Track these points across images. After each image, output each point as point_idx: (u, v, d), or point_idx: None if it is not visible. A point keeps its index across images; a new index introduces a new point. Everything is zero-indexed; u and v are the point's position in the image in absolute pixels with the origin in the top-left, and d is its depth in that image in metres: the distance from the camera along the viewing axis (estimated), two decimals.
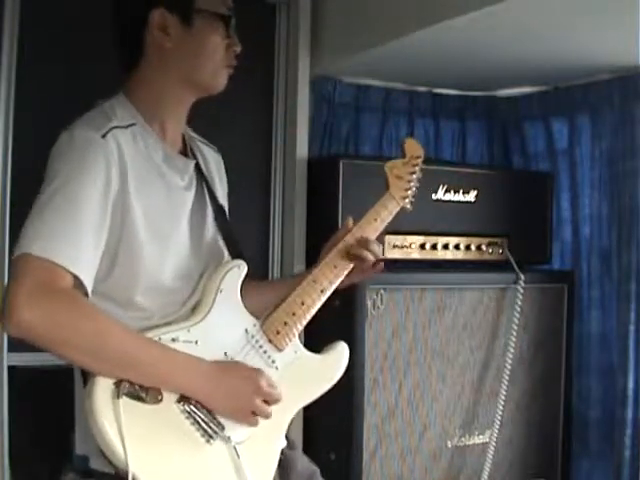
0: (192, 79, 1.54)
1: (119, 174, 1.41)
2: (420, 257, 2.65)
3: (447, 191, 2.68)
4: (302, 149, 2.70)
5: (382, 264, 1.70)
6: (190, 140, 1.67)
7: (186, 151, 1.62)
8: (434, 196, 2.66)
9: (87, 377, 1.38)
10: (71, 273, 1.33)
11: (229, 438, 1.44)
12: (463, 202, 2.71)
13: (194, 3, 1.51)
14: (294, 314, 1.57)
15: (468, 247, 2.73)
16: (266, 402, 1.47)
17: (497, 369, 2.69)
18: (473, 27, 2.22)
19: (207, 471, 1.42)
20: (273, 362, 1.54)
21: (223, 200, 1.72)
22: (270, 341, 1.54)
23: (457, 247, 2.71)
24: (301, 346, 1.59)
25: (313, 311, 1.60)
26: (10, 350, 2.25)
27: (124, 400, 1.34)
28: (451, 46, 2.44)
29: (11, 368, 2.27)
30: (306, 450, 2.61)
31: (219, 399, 1.43)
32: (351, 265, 1.66)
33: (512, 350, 2.68)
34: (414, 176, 1.81)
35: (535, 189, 2.90)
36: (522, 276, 2.70)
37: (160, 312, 1.48)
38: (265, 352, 1.53)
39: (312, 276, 1.61)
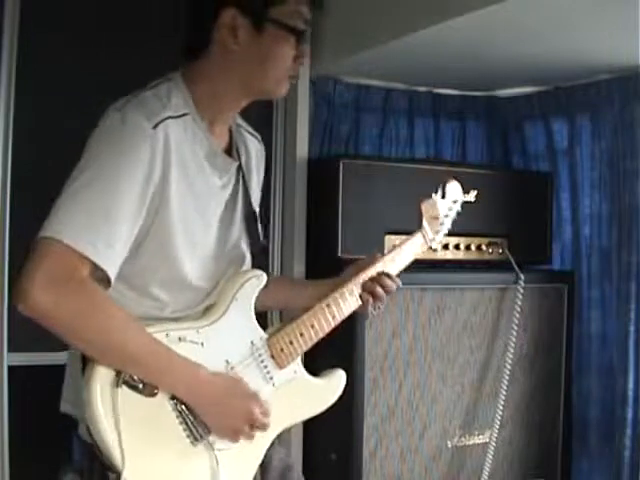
0: (253, 84, 1.52)
1: (162, 165, 1.39)
2: (420, 257, 2.64)
3: None
4: (302, 149, 2.70)
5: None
6: (236, 132, 1.64)
7: (231, 149, 1.60)
8: (434, 196, 2.65)
9: (87, 360, 1.38)
10: (97, 265, 1.32)
11: (212, 444, 1.45)
12: (463, 202, 2.70)
13: (268, 11, 1.47)
14: (302, 335, 1.57)
15: (468, 247, 2.73)
16: (253, 429, 1.47)
17: (497, 369, 2.69)
18: (473, 27, 2.22)
19: (186, 471, 1.43)
20: (271, 378, 1.54)
21: (257, 192, 1.70)
22: (272, 357, 1.54)
23: (457, 247, 2.70)
24: (301, 367, 1.60)
25: (321, 335, 1.60)
26: (10, 350, 2.25)
27: (123, 389, 1.35)
28: (451, 46, 2.44)
29: (11, 368, 2.27)
30: (306, 450, 2.63)
31: (207, 411, 1.43)
32: (367, 297, 1.66)
33: (512, 350, 2.68)
34: (448, 219, 1.83)
35: (535, 189, 2.90)
36: (522, 276, 2.70)
37: (174, 306, 1.48)
38: (265, 367, 1.54)
39: (326, 301, 1.61)
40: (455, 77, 2.96)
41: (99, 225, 1.32)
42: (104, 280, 1.35)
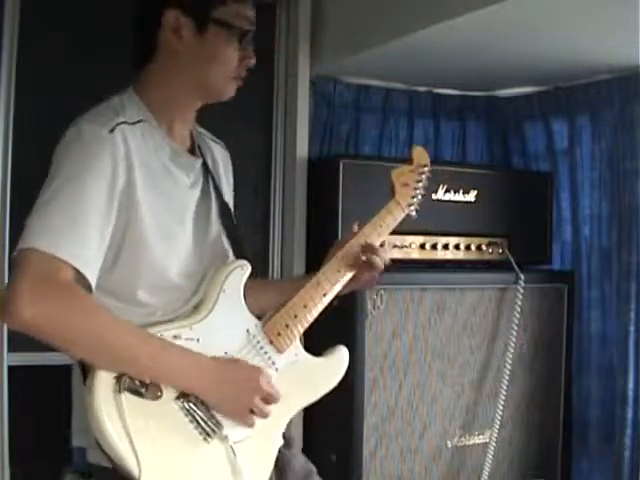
0: (200, 85, 1.54)
1: (126, 170, 1.41)
2: (420, 257, 2.65)
3: (447, 191, 2.68)
4: (302, 149, 2.70)
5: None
6: (198, 137, 1.66)
7: (194, 149, 1.62)
8: (434, 196, 2.65)
9: (87, 372, 1.38)
10: (75, 269, 1.33)
11: (227, 437, 1.44)
12: (463, 202, 2.71)
13: (211, 11, 1.49)
14: (296, 316, 1.57)
15: (468, 247, 2.73)
16: (265, 401, 1.47)
17: (497, 369, 2.69)
18: (473, 27, 2.22)
19: (204, 469, 1.42)
20: (273, 363, 1.54)
21: (229, 197, 1.72)
22: (271, 342, 1.54)
23: (457, 247, 2.71)
24: (302, 348, 1.59)
25: (315, 314, 1.60)
26: (10, 350, 2.25)
27: (126, 396, 1.35)
28: (451, 46, 2.44)
29: (11, 368, 2.27)
30: (306, 450, 2.62)
31: (217, 396, 1.43)
32: (354, 270, 1.66)
33: (512, 350, 2.68)
34: (420, 184, 1.81)
35: (535, 189, 2.90)
36: (522, 276, 2.70)
37: (163, 309, 1.48)
38: (266, 353, 1.53)
39: (315, 279, 1.62)
40: (455, 77, 2.96)
41: (70, 231, 1.33)
42: (86, 287, 1.36)
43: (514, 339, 2.68)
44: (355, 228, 1.71)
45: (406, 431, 2.54)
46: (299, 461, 1.68)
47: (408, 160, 1.83)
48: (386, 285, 2.47)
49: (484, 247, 2.76)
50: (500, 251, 2.77)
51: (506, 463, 2.73)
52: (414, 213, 1.79)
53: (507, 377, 2.67)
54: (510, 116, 3.19)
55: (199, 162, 1.60)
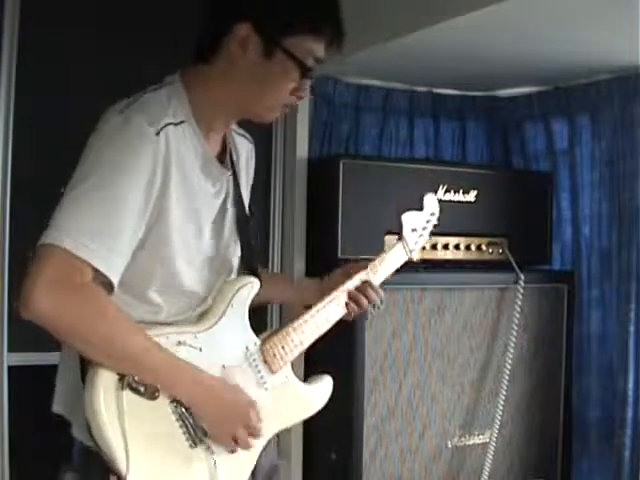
0: (246, 103, 1.52)
1: (163, 174, 1.40)
2: (420, 257, 2.65)
3: (447, 191, 2.68)
4: (302, 149, 2.71)
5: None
6: (229, 137, 1.64)
7: (224, 156, 1.60)
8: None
9: (85, 364, 1.38)
10: (100, 272, 1.32)
11: (210, 447, 1.46)
12: (463, 202, 2.71)
13: (282, 38, 1.45)
14: (293, 341, 1.60)
15: (468, 247, 2.73)
16: (249, 434, 1.48)
17: (497, 369, 2.69)
18: (473, 27, 2.22)
19: (187, 474, 1.44)
20: (264, 382, 1.56)
21: (246, 193, 1.71)
22: (265, 362, 1.56)
23: (457, 247, 2.71)
24: (291, 372, 1.62)
25: (312, 341, 1.64)
26: (10, 350, 2.25)
27: (127, 392, 1.36)
28: (451, 46, 2.44)
29: (11, 368, 2.27)
30: (306, 450, 2.63)
31: (208, 417, 1.44)
32: (353, 305, 1.71)
33: (512, 350, 2.68)
34: (426, 231, 1.87)
35: (535, 189, 2.90)
36: (522, 276, 2.70)
37: (168, 311, 1.49)
38: (259, 372, 1.56)
39: (316, 308, 1.65)
40: (455, 77, 2.96)
41: (102, 232, 1.32)
42: (106, 285, 1.35)
43: (514, 339, 2.68)
44: (363, 264, 1.75)
45: (406, 431, 2.54)
46: (263, 460, 1.65)
47: (419, 205, 1.87)
48: (386, 285, 2.46)
49: (484, 247, 2.76)
50: (500, 251, 2.77)
51: (506, 463, 2.73)
52: (415, 259, 1.86)
53: (507, 377, 2.67)
54: (510, 116, 3.19)
55: (227, 174, 1.59)
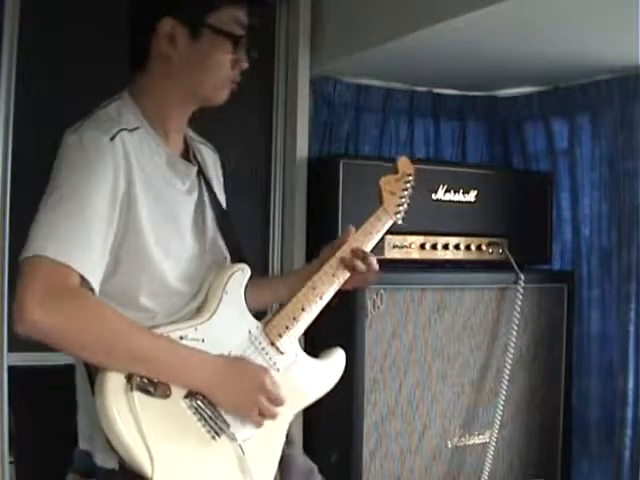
0: (194, 91, 1.56)
1: (126, 177, 1.43)
2: (420, 257, 2.65)
3: (447, 191, 2.68)
4: (302, 149, 2.70)
5: (376, 272, 1.74)
6: (190, 141, 1.68)
7: (188, 155, 1.64)
8: (434, 196, 2.66)
9: (92, 372, 1.39)
10: (80, 275, 1.34)
11: (234, 435, 1.45)
12: (463, 202, 2.71)
13: (205, 18, 1.50)
14: (294, 318, 1.60)
15: (468, 247, 2.73)
16: (270, 401, 1.48)
17: (497, 369, 2.69)
18: (473, 27, 2.22)
19: (213, 467, 1.43)
20: (275, 364, 1.56)
21: (222, 199, 1.73)
22: (272, 344, 1.56)
23: (457, 247, 2.71)
24: (300, 350, 1.62)
25: (313, 316, 1.63)
26: (10, 350, 2.25)
27: (137, 394, 1.36)
28: (451, 46, 2.44)
29: (11, 368, 2.27)
30: (306, 450, 2.62)
31: (223, 394, 1.44)
32: (348, 274, 1.71)
33: (512, 350, 2.68)
34: (406, 192, 1.87)
35: (535, 189, 2.90)
36: (522, 276, 2.70)
37: (164, 312, 1.49)
38: (267, 354, 1.55)
39: (312, 282, 1.65)
40: (455, 77, 2.96)
41: (74, 238, 1.34)
42: (90, 291, 1.37)
43: (514, 339, 2.68)
44: (352, 230, 1.74)
45: (406, 431, 2.54)
46: (301, 459, 1.70)
47: (393, 169, 1.88)
48: (386, 285, 2.48)
49: (484, 247, 2.76)
50: (500, 251, 2.77)
51: (506, 463, 2.73)
52: (401, 222, 1.85)
53: (507, 377, 2.67)
54: (510, 116, 3.19)
55: (195, 169, 1.62)
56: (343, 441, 2.47)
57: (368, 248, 1.74)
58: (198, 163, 1.65)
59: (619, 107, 2.70)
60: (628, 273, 2.67)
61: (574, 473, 2.89)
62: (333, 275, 1.68)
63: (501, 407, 2.67)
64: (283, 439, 1.57)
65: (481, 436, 2.68)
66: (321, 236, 2.62)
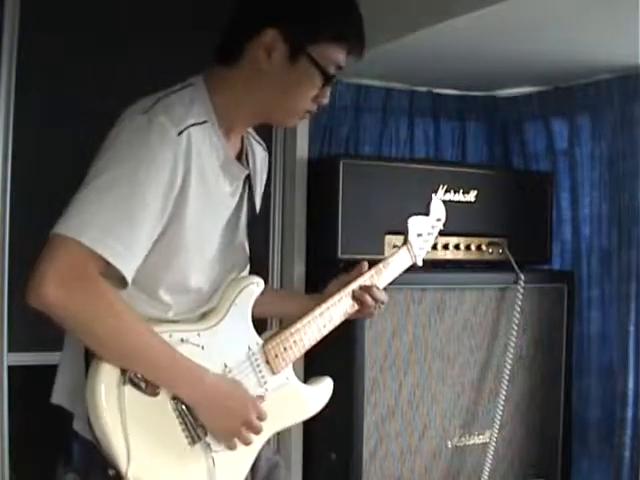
0: (269, 108, 1.54)
1: (183, 174, 1.40)
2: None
3: (447, 191, 2.68)
4: (302, 149, 2.70)
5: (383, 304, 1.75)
6: (246, 140, 1.65)
7: (241, 155, 1.61)
8: (434, 196, 2.65)
9: (90, 357, 1.39)
10: (116, 268, 1.32)
11: (209, 445, 1.46)
12: (463, 202, 2.71)
13: (307, 46, 1.47)
14: (295, 342, 1.60)
15: (468, 247, 2.73)
16: (250, 430, 1.49)
17: (497, 369, 2.69)
18: (473, 27, 2.22)
19: (185, 471, 1.44)
20: (265, 383, 1.56)
21: (259, 199, 1.73)
22: (267, 362, 1.57)
23: (457, 247, 2.71)
24: (292, 373, 1.62)
25: (313, 343, 1.64)
26: (10, 350, 2.25)
27: (128, 388, 1.36)
28: (451, 46, 2.44)
29: (11, 368, 2.27)
30: (306, 450, 2.63)
31: (208, 416, 1.45)
32: (356, 307, 1.71)
33: (512, 350, 2.68)
34: (432, 237, 1.87)
35: (535, 189, 2.90)
36: (522, 276, 2.70)
37: (176, 309, 1.49)
38: (260, 372, 1.56)
39: (319, 309, 1.65)
40: (455, 77, 2.96)
41: (120, 228, 1.32)
42: (116, 281, 1.36)
43: (514, 339, 2.68)
44: (365, 266, 1.74)
45: (406, 431, 2.54)
46: (265, 454, 1.67)
47: (425, 209, 1.87)
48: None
49: (484, 247, 2.76)
50: (500, 251, 2.77)
51: (506, 463, 2.73)
52: (420, 264, 1.85)
53: (507, 377, 2.67)
54: (510, 116, 3.19)
55: (245, 173, 1.59)
56: (343, 441, 2.47)
57: (382, 285, 1.75)
58: (249, 165, 1.64)
59: (619, 107, 2.70)
60: (628, 273, 2.67)
61: (574, 473, 2.89)
62: (342, 306, 1.68)
63: (501, 407, 2.67)
64: (255, 455, 1.57)
65: (481, 436, 2.68)
66: (321, 236, 2.62)
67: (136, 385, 1.37)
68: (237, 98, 1.51)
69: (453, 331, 2.62)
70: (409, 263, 1.82)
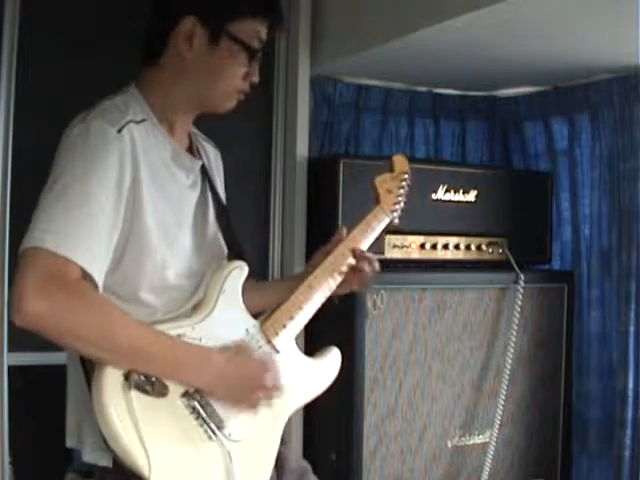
0: (201, 95, 1.56)
1: (132, 170, 1.41)
2: (420, 257, 2.65)
3: (447, 191, 2.68)
4: (302, 149, 2.70)
5: (376, 271, 1.73)
6: (194, 138, 1.68)
7: (192, 150, 1.63)
8: (434, 196, 2.66)
9: (88, 369, 1.39)
10: (83, 269, 1.32)
11: (229, 435, 1.45)
12: (463, 202, 2.71)
13: (226, 25, 1.50)
14: (292, 317, 1.60)
15: (468, 247, 2.73)
16: (268, 396, 1.49)
17: (497, 369, 2.69)
18: (473, 27, 2.22)
19: (205, 468, 1.43)
20: None
21: (223, 196, 1.73)
22: (269, 342, 1.56)
23: (457, 247, 2.71)
24: (297, 349, 1.62)
25: (310, 315, 1.63)
26: (10, 350, 2.25)
27: (135, 392, 1.35)
28: (451, 46, 2.44)
29: (11, 368, 2.27)
30: (306, 450, 2.63)
31: (224, 393, 1.44)
32: (344, 273, 1.70)
33: (512, 350, 2.68)
34: (402, 191, 1.86)
35: (535, 189, 2.90)
36: (522, 276, 2.70)
37: (163, 309, 1.49)
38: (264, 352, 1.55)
39: (308, 281, 1.65)
40: (455, 77, 2.96)
41: (79, 231, 1.33)
42: (94, 286, 1.36)
43: (514, 339, 2.68)
44: (344, 232, 1.74)
45: (406, 431, 2.54)
46: (295, 459, 1.69)
47: (388, 167, 1.87)
48: (386, 285, 2.48)
49: (484, 247, 2.76)
50: (500, 251, 2.77)
51: (506, 463, 2.73)
52: (397, 221, 1.85)
53: (507, 377, 2.67)
54: (510, 116, 3.19)
55: (199, 163, 1.61)
56: (343, 441, 2.47)
57: (365, 247, 1.74)
58: (201, 158, 1.65)
59: (619, 107, 2.70)
60: (628, 273, 2.67)
61: (574, 473, 2.89)
62: (330, 275, 1.67)
63: (501, 407, 2.67)
64: (279, 440, 1.57)
65: (481, 436, 2.68)
66: (321, 236, 2.61)
67: (142, 389, 1.35)
68: (170, 93, 1.54)
69: (453, 331, 2.62)
70: (386, 221, 1.81)
